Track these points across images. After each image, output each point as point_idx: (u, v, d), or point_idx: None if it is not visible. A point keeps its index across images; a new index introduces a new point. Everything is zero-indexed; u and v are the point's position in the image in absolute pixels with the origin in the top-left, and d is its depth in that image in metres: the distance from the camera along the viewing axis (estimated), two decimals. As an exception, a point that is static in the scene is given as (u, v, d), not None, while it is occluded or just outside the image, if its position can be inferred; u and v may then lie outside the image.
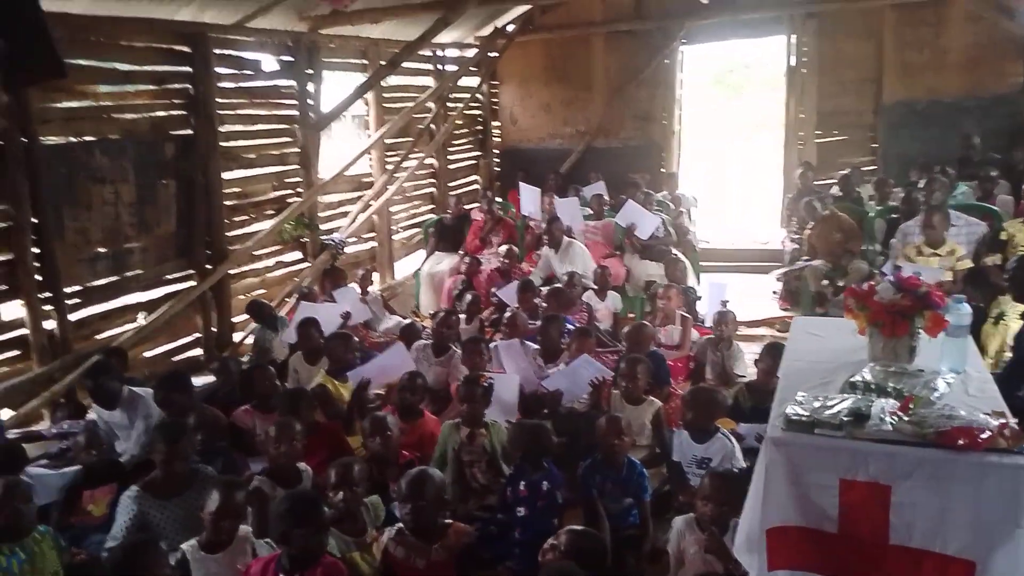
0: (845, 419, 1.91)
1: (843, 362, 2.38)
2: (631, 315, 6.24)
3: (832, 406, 1.98)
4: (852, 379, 2.18)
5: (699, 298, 6.37)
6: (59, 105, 4.76)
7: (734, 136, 14.74)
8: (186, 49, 5.59)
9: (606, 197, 7.84)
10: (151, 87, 5.43)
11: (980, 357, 2.58)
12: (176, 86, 5.59)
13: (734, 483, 2.73)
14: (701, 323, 5.89)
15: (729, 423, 3.93)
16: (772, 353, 3.96)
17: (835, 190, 7.68)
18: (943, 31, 8.07)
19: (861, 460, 1.87)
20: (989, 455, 1.81)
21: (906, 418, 1.90)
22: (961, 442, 1.80)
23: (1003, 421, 1.88)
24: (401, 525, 2.83)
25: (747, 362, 4.85)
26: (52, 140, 4.70)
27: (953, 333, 2.30)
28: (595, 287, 6.00)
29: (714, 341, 4.86)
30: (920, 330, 2.31)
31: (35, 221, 4.56)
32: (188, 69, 5.63)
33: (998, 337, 4.10)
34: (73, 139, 4.87)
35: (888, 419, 1.90)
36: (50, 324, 4.67)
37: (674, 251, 6.74)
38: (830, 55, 8.55)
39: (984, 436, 1.81)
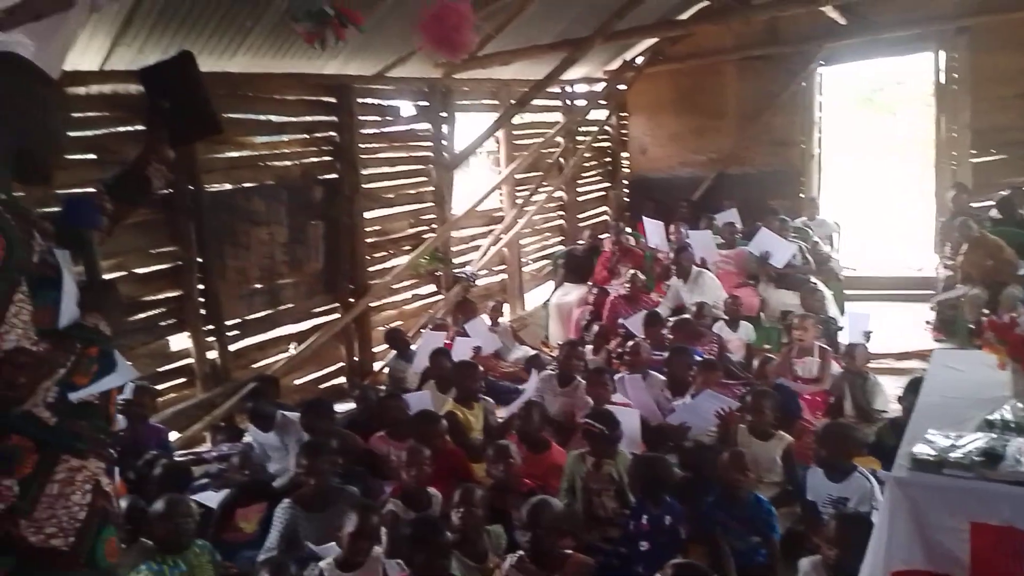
0: (977, 459, 1.80)
1: (982, 398, 2.25)
2: (766, 346, 6.04)
3: (963, 445, 1.87)
4: (990, 417, 2.05)
5: (840, 329, 6.08)
6: (221, 156, 5.29)
7: (885, 157, 13.92)
8: (332, 100, 6.05)
9: (738, 225, 7.66)
10: (301, 136, 5.92)
11: None
12: (323, 134, 6.06)
13: (862, 526, 2.60)
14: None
15: (873, 462, 3.74)
16: (914, 388, 3.72)
17: (994, 212, 7.11)
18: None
19: (994, 503, 1.76)
20: None
21: (1050, 458, 1.76)
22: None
23: None
24: (522, 553, 2.90)
25: (890, 397, 4.58)
26: (215, 187, 5.22)
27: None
28: (726, 317, 5.88)
29: (850, 374, 4.63)
30: (1070, 365, 2.13)
31: (200, 261, 5.06)
32: (334, 118, 6.09)
33: None
34: (233, 186, 5.38)
35: (1025, 460, 1.77)
36: (212, 354, 5.15)
37: (812, 280, 6.47)
38: (984, 70, 7.95)
39: None
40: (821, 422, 4.18)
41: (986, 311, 5.75)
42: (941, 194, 8.10)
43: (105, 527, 1.68)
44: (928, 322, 6.70)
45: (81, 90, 4.37)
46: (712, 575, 2.70)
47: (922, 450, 1.88)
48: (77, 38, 3.31)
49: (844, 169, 11.58)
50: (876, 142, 14.03)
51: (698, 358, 4.91)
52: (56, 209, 1.82)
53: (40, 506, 1.58)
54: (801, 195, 9.03)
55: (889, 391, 4.67)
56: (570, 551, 2.96)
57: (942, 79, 8.27)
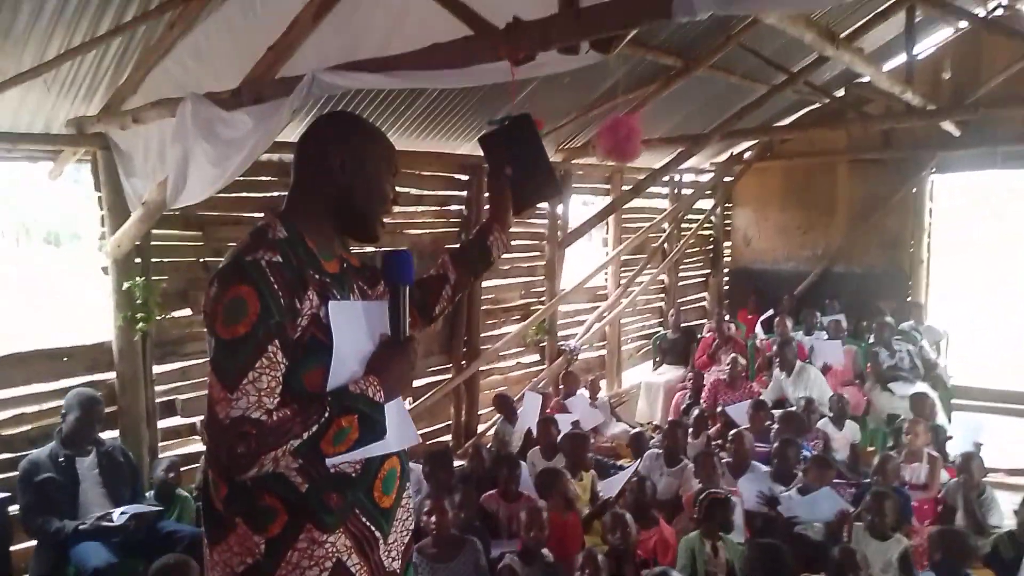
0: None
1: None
2: (871, 448, 6.02)
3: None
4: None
5: (950, 438, 6.01)
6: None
7: (996, 262, 13.57)
8: (464, 177, 6.57)
9: (844, 324, 7.69)
10: (434, 208, 6.43)
11: None
12: (453, 208, 6.56)
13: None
14: (952, 464, 5.55)
15: (988, 574, 3.73)
16: (1035, 503, 3.73)
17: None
18: None
19: None
20: None
21: None
22: None
23: None
24: (640, 618, 3.07)
25: (1005, 512, 4.52)
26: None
27: None
28: (830, 415, 5.91)
29: (963, 484, 4.60)
30: None
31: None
32: (464, 193, 6.59)
33: None
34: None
35: None
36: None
37: (921, 385, 6.43)
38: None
39: None
40: (933, 528, 4.17)
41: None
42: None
43: None
44: (1043, 439, 6.52)
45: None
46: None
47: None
48: (290, 118, 3.83)
49: (954, 273, 11.37)
50: (986, 244, 13.72)
51: (806, 453, 4.97)
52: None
53: (280, 570, 1.57)
54: (908, 298, 8.98)
55: (1002, 506, 4.60)
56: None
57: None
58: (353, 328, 1.66)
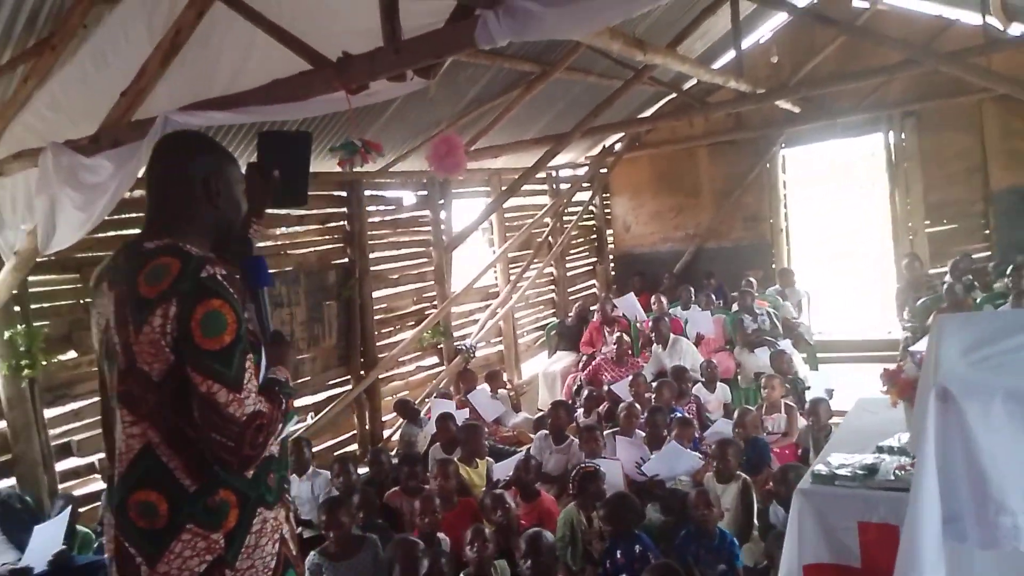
0: (859, 472, 2.40)
1: (883, 431, 2.84)
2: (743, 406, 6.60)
3: (851, 464, 2.46)
4: (881, 443, 2.65)
5: (808, 388, 6.68)
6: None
7: (850, 228, 14.75)
8: (343, 193, 6.79)
9: (713, 297, 8.34)
10: (317, 226, 6.63)
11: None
12: (336, 224, 6.78)
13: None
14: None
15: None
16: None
17: (947, 278, 7.78)
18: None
19: (873, 505, 2.34)
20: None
21: (911, 471, 2.35)
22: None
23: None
24: (522, 579, 3.43)
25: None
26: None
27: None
28: (703, 380, 6.46)
29: (811, 427, 5.19)
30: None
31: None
32: (345, 209, 6.82)
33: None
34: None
35: (895, 471, 2.36)
36: (240, 423, 5.67)
37: (779, 343, 7.09)
38: (932, 148, 8.78)
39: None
40: (779, 467, 4.72)
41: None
42: (900, 262, 8.81)
43: (287, 572, 1.81)
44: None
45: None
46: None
47: (820, 468, 2.48)
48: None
49: (812, 241, 12.35)
50: (840, 215, 14.86)
51: (680, 414, 5.48)
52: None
53: (242, 556, 1.72)
54: (773, 266, 9.76)
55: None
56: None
57: (893, 158, 9.09)
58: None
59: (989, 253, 8.42)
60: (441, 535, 4.03)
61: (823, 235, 13.54)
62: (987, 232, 8.67)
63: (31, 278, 4.53)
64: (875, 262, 11.88)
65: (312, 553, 3.92)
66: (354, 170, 3.32)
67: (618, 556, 3.70)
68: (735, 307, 7.89)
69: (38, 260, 4.27)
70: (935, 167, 8.80)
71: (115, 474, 1.78)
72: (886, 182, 9.33)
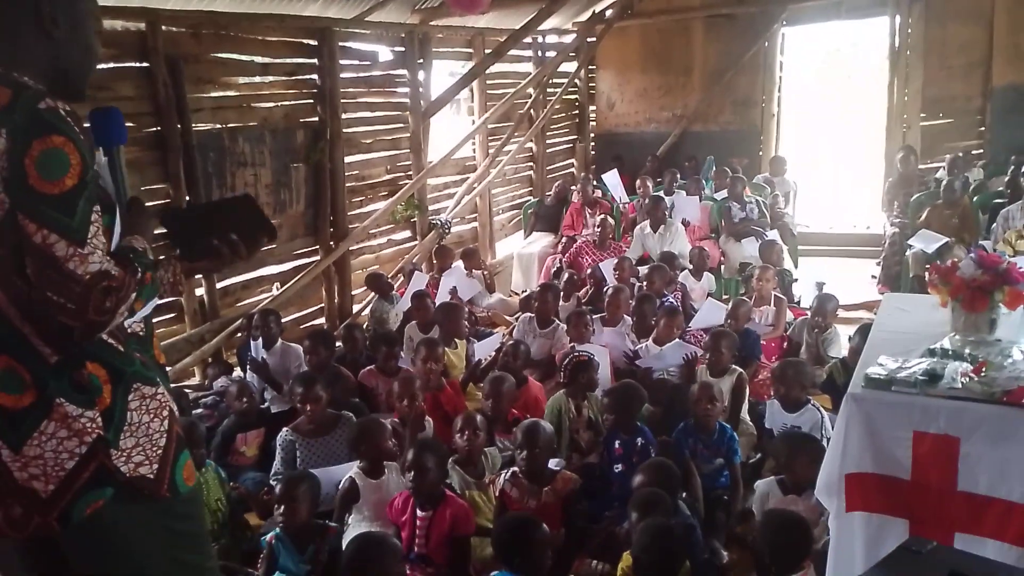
0: (920, 378, 2.15)
1: (926, 334, 2.58)
2: (725, 296, 6.43)
3: (909, 367, 2.21)
4: (932, 347, 2.40)
5: (795, 280, 6.51)
6: (208, 96, 5.35)
7: (841, 119, 14.38)
8: (313, 43, 6.11)
9: (703, 184, 8.01)
10: (284, 79, 5.98)
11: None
12: (305, 77, 6.13)
13: (810, 444, 3.01)
14: (797, 305, 6.05)
15: (824, 399, 4.15)
16: (863, 333, 4.10)
17: (941, 174, 7.57)
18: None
19: (933, 415, 2.11)
20: (1053, 414, 2.01)
21: (976, 379, 2.12)
22: (1026, 401, 2.02)
23: (1071, 385, 2.07)
24: (515, 469, 3.22)
25: (843, 344, 4.98)
26: (202, 127, 5.29)
27: (1033, 308, 2.47)
28: (690, 267, 6.23)
29: (811, 323, 5.02)
30: (1000, 304, 2.48)
31: (188, 199, 5.17)
32: (315, 61, 6.16)
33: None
34: (220, 126, 5.46)
35: (960, 379, 2.13)
36: (200, 291, 5.29)
37: (768, 233, 6.86)
38: (936, 38, 8.35)
39: (1048, 396, 2.01)
40: (777, 362, 4.57)
41: (927, 266, 6.21)
42: (891, 156, 8.53)
43: (182, 452, 1.67)
44: (874, 276, 7.18)
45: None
46: (680, 480, 3.08)
47: (875, 371, 2.22)
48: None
49: (802, 130, 11.99)
50: (835, 104, 14.45)
51: (671, 302, 5.25)
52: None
53: (124, 435, 1.55)
54: (761, 153, 9.42)
55: (841, 339, 5.07)
56: (557, 468, 3.30)
57: (896, 45, 8.64)
58: (110, 188, 1.61)
59: (981, 151, 8.19)
60: (427, 420, 3.79)
61: (814, 124, 13.16)
62: (981, 129, 8.41)
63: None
64: (863, 155, 11.60)
65: (285, 430, 3.69)
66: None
67: (616, 447, 3.52)
68: (722, 194, 7.59)
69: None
70: (937, 58, 8.40)
71: None
72: (885, 71, 8.90)
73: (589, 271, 6.45)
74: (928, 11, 8.36)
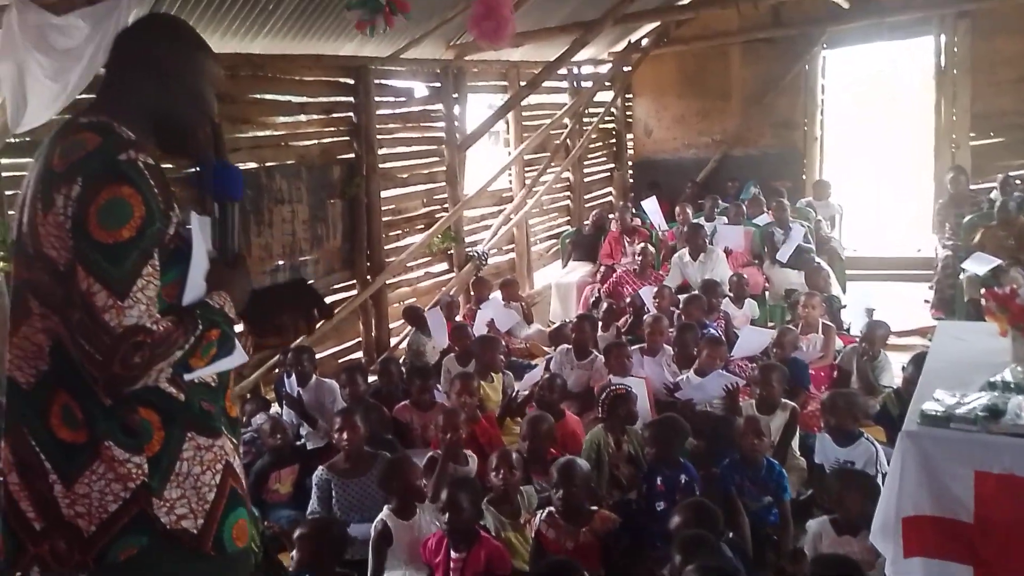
0: (980, 414, 2.00)
1: (985, 363, 2.44)
2: (771, 324, 6.23)
3: (968, 402, 2.06)
4: (992, 379, 2.25)
5: (844, 307, 6.30)
6: (246, 135, 5.44)
7: (887, 139, 14.05)
8: (349, 81, 6.19)
9: (744, 208, 7.85)
10: (320, 117, 6.06)
11: None
12: (341, 115, 6.20)
13: (865, 482, 2.83)
14: (846, 332, 5.84)
15: (878, 431, 3.95)
16: (917, 362, 3.91)
17: (995, 195, 7.29)
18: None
19: (996, 453, 1.96)
20: None
21: (1044, 414, 1.96)
22: (1098, 437, 1.86)
23: None
24: (552, 509, 3.11)
25: (895, 372, 4.78)
26: (240, 166, 5.37)
27: (1101, 336, 2.30)
28: (731, 295, 6.07)
29: (860, 351, 4.82)
30: (1066, 333, 2.32)
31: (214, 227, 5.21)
32: (351, 99, 6.23)
33: None
34: (257, 165, 5.53)
35: (1024, 415, 1.97)
36: (239, 327, 5.30)
37: (816, 259, 6.66)
38: (984, 54, 8.12)
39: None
40: (827, 393, 4.38)
41: (983, 289, 5.95)
42: (940, 176, 8.28)
43: (235, 509, 1.63)
44: (927, 300, 6.91)
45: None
46: (721, 520, 2.93)
47: (931, 407, 2.08)
48: (130, 19, 3.43)
49: (847, 151, 11.73)
50: (878, 125, 14.14)
51: (713, 331, 5.10)
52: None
53: (170, 485, 1.52)
54: (804, 176, 9.22)
55: (893, 366, 4.86)
56: (596, 507, 3.18)
57: (942, 63, 8.42)
58: (204, 243, 1.62)
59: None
60: (470, 454, 3.71)
61: (858, 146, 12.86)
62: (1034, 148, 8.10)
63: (3, 160, 4.03)
64: (911, 176, 11.28)
65: (320, 468, 3.63)
66: (373, 34, 2.77)
67: (658, 483, 3.38)
68: (765, 218, 7.42)
69: (8, 141, 3.76)
70: (984, 75, 8.17)
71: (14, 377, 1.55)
72: (932, 90, 8.66)
73: (628, 300, 6.34)
74: (975, 26, 8.14)
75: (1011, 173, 7.34)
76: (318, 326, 2.01)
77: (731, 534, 3.12)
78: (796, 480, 3.79)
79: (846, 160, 11.48)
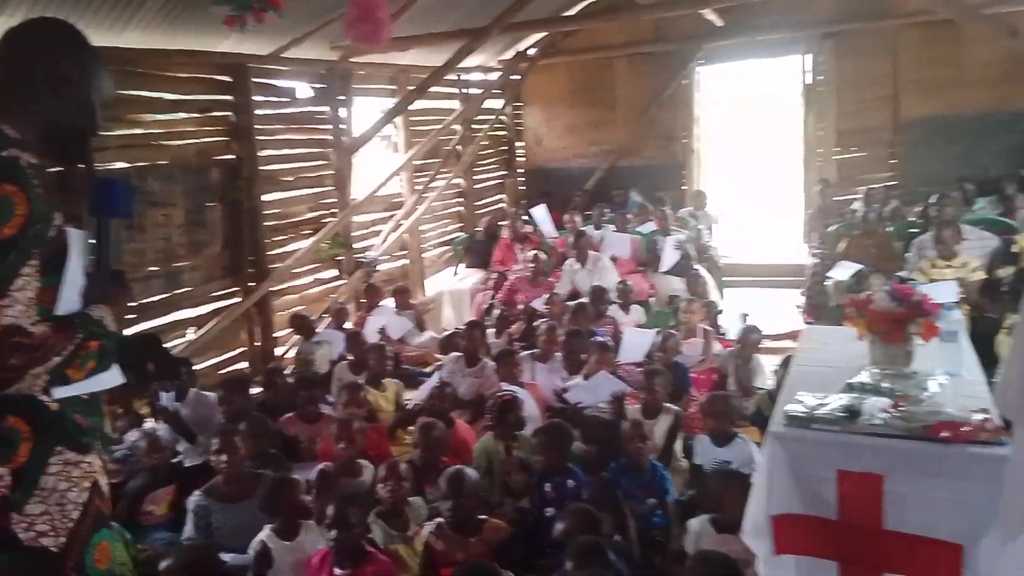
0: (840, 415, 2.13)
1: (845, 366, 2.59)
2: (655, 329, 6.43)
3: (828, 404, 2.19)
4: (851, 381, 2.40)
5: (720, 312, 6.58)
6: (114, 133, 5.12)
7: (759, 152, 14.83)
8: (227, 79, 5.95)
9: (628, 216, 8.08)
10: (196, 115, 5.79)
11: (977, 362, 2.76)
12: (219, 114, 5.95)
13: (741, 481, 2.96)
14: (723, 336, 6.10)
15: (753, 431, 4.14)
16: (786, 365, 4.13)
17: (857, 205, 7.83)
18: (961, 49, 8.18)
19: (855, 452, 2.08)
20: (971, 447, 2.01)
21: (896, 414, 2.11)
22: (944, 435, 2.01)
23: (986, 417, 2.08)
24: (442, 520, 3.07)
25: (767, 374, 5.04)
26: (109, 166, 5.04)
27: (946, 339, 2.50)
28: (619, 302, 6.23)
29: (736, 354, 5.05)
30: (916, 336, 2.51)
31: (94, 242, 4.88)
32: (230, 98, 5.99)
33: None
34: (127, 165, 5.22)
35: (879, 415, 2.11)
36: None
37: (696, 266, 6.94)
38: (848, 73, 8.73)
39: (965, 429, 2.01)
40: (706, 395, 4.56)
41: (849, 295, 6.36)
42: (809, 188, 8.82)
43: (98, 530, 1.58)
44: (799, 306, 7.33)
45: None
46: (604, 524, 2.99)
47: (794, 408, 2.20)
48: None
49: (724, 163, 12.30)
50: (754, 138, 14.92)
51: (601, 339, 5.20)
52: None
53: (33, 500, 1.46)
54: (684, 187, 9.60)
55: (765, 369, 5.12)
56: (485, 517, 3.17)
57: (810, 81, 8.98)
58: (80, 256, 1.60)
59: (895, 182, 8.53)
60: (365, 463, 3.62)
61: (733, 158, 13.52)
62: (893, 162, 8.77)
63: None
64: (783, 187, 11.95)
65: (197, 493, 3.40)
66: (243, 30, 2.65)
67: (548, 490, 3.41)
68: (650, 227, 7.67)
69: None
70: (849, 92, 8.77)
71: None
72: (800, 106, 9.22)
73: (522, 307, 6.39)
74: (839, 47, 8.73)
75: (873, 186, 7.88)
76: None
77: (617, 537, 3.19)
78: (679, 482, 3.92)
79: (723, 171, 12.03)
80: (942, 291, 3.92)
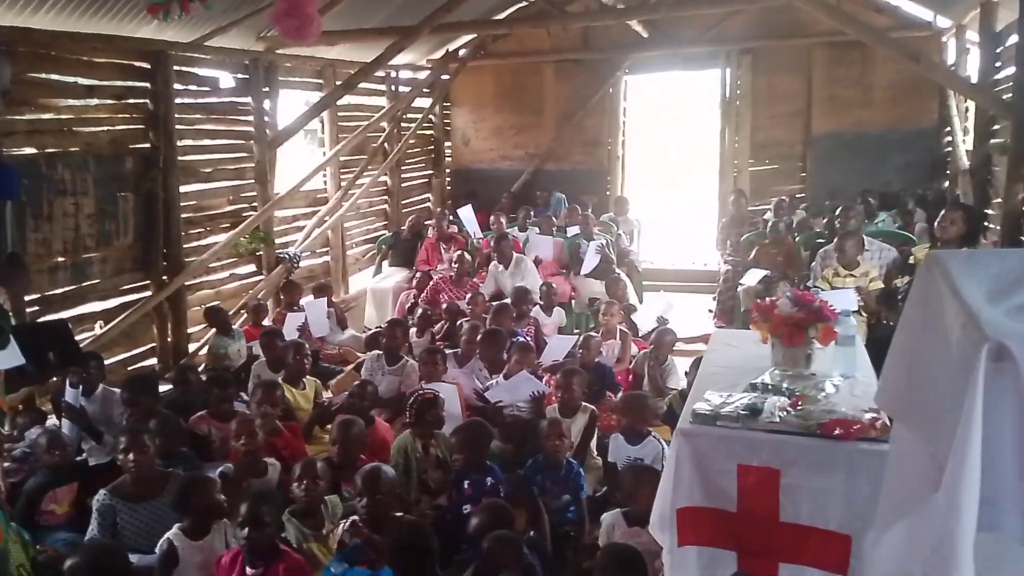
0: (742, 413, 2.24)
1: (750, 367, 2.72)
2: (577, 331, 6.55)
3: (732, 402, 2.31)
4: (754, 381, 2.52)
5: (634, 311, 6.76)
6: (23, 118, 4.87)
7: (680, 162, 15.28)
8: (146, 65, 5.76)
9: (554, 220, 8.20)
10: (111, 102, 5.58)
11: (871, 365, 2.94)
12: (136, 101, 5.75)
13: (652, 476, 3.07)
14: (642, 339, 6.26)
15: (665, 429, 4.28)
16: (697, 366, 4.28)
17: (769, 215, 8.17)
18: (869, 69, 8.67)
19: (756, 448, 2.20)
20: (860, 444, 2.15)
21: (794, 413, 2.23)
22: (837, 432, 2.15)
23: (875, 416, 2.23)
24: (356, 518, 3.07)
25: (680, 375, 5.21)
26: (15, 152, 4.80)
27: (842, 343, 2.66)
28: (541, 303, 6.32)
29: (650, 355, 5.20)
30: (815, 340, 2.66)
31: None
32: (147, 85, 5.80)
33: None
34: (36, 151, 4.98)
35: (778, 413, 2.24)
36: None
37: (616, 270, 7.10)
38: (763, 89, 9.12)
39: (856, 427, 2.15)
40: (621, 395, 4.68)
41: (758, 300, 6.63)
42: (723, 198, 9.15)
43: None
44: (711, 310, 7.60)
45: None
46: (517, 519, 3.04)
47: (701, 406, 2.30)
48: None
49: (646, 171, 12.63)
50: (673, 148, 15.36)
51: (522, 339, 5.27)
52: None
53: None
54: (607, 192, 9.81)
55: (679, 370, 5.30)
56: (401, 513, 3.17)
57: (728, 95, 9.33)
58: None
59: (804, 194, 8.95)
60: (271, 461, 3.56)
61: (655, 166, 13.89)
62: (803, 175, 9.19)
63: None
64: (701, 196, 12.34)
65: (102, 492, 3.26)
66: (167, 19, 2.60)
67: (466, 487, 3.45)
68: (573, 230, 7.81)
69: None
70: (764, 108, 9.16)
71: None
72: (718, 119, 9.56)
73: (445, 306, 6.40)
74: (756, 63, 9.11)
75: (783, 197, 8.24)
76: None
77: (532, 532, 3.25)
78: (593, 479, 4.02)
79: (644, 178, 12.35)
80: (842, 298, 4.19)
